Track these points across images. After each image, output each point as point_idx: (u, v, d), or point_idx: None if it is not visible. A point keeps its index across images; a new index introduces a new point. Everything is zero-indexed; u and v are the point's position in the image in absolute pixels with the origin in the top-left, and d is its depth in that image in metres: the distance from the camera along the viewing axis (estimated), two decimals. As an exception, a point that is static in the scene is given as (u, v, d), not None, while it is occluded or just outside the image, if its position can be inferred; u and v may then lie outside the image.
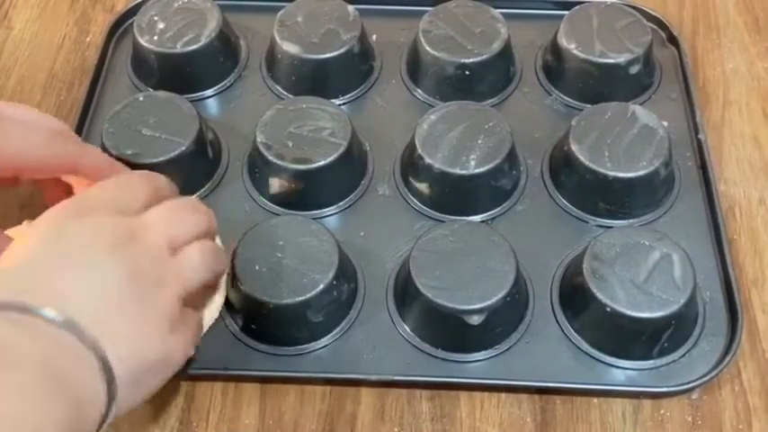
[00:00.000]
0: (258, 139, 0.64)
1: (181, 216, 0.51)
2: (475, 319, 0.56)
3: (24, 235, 0.48)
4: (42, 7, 0.81)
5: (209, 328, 0.58)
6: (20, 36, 0.79)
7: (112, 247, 0.46)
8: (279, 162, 0.63)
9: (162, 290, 0.47)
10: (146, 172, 0.55)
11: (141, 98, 0.67)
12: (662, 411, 0.57)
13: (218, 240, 0.60)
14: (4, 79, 0.75)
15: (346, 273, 0.60)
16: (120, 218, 0.48)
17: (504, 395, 0.58)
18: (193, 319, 0.51)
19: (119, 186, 0.51)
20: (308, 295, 0.56)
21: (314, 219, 0.62)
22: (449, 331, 0.57)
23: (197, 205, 0.54)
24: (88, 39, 0.79)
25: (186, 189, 0.66)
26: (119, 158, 0.63)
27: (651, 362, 0.58)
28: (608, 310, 0.56)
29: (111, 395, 0.43)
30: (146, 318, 0.46)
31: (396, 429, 0.56)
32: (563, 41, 0.71)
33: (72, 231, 0.46)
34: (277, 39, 0.71)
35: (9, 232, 0.58)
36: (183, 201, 0.54)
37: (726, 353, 0.58)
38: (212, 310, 0.58)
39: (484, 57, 0.70)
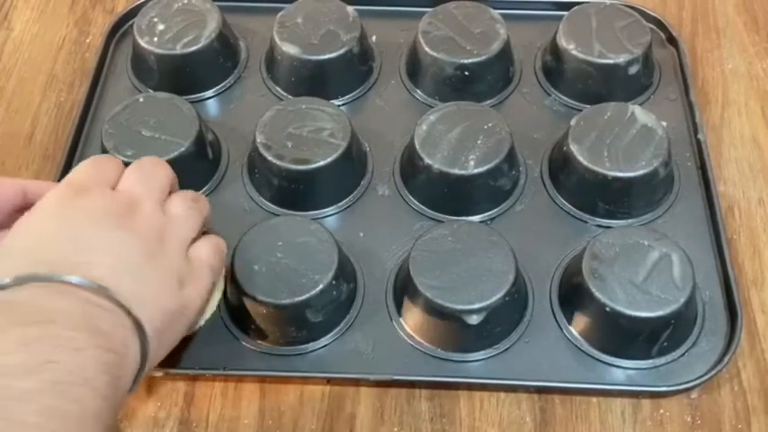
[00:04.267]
0: (258, 140, 0.65)
1: (150, 172, 0.54)
2: (474, 319, 0.56)
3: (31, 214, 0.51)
4: (42, 8, 0.81)
5: (206, 322, 0.58)
6: (20, 37, 0.79)
7: (118, 218, 0.49)
8: (278, 163, 0.63)
9: (166, 247, 0.50)
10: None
11: (141, 99, 0.67)
12: (661, 411, 0.57)
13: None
14: (5, 80, 0.75)
15: (346, 273, 0.60)
16: (112, 192, 0.51)
17: (503, 395, 0.58)
18: (201, 269, 0.53)
19: (95, 165, 0.53)
20: (308, 295, 0.56)
21: (314, 219, 0.62)
22: (448, 331, 0.58)
23: (155, 160, 0.56)
24: (88, 40, 0.79)
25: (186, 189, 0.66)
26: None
27: (650, 361, 0.58)
28: (607, 309, 0.56)
29: (144, 353, 0.46)
30: (160, 276, 0.49)
31: (395, 429, 0.56)
32: (562, 42, 0.71)
33: (79, 208, 0.49)
34: (277, 40, 0.71)
35: None
36: (143, 161, 0.56)
37: (725, 352, 0.58)
38: (210, 306, 0.59)
39: (483, 57, 0.70)
